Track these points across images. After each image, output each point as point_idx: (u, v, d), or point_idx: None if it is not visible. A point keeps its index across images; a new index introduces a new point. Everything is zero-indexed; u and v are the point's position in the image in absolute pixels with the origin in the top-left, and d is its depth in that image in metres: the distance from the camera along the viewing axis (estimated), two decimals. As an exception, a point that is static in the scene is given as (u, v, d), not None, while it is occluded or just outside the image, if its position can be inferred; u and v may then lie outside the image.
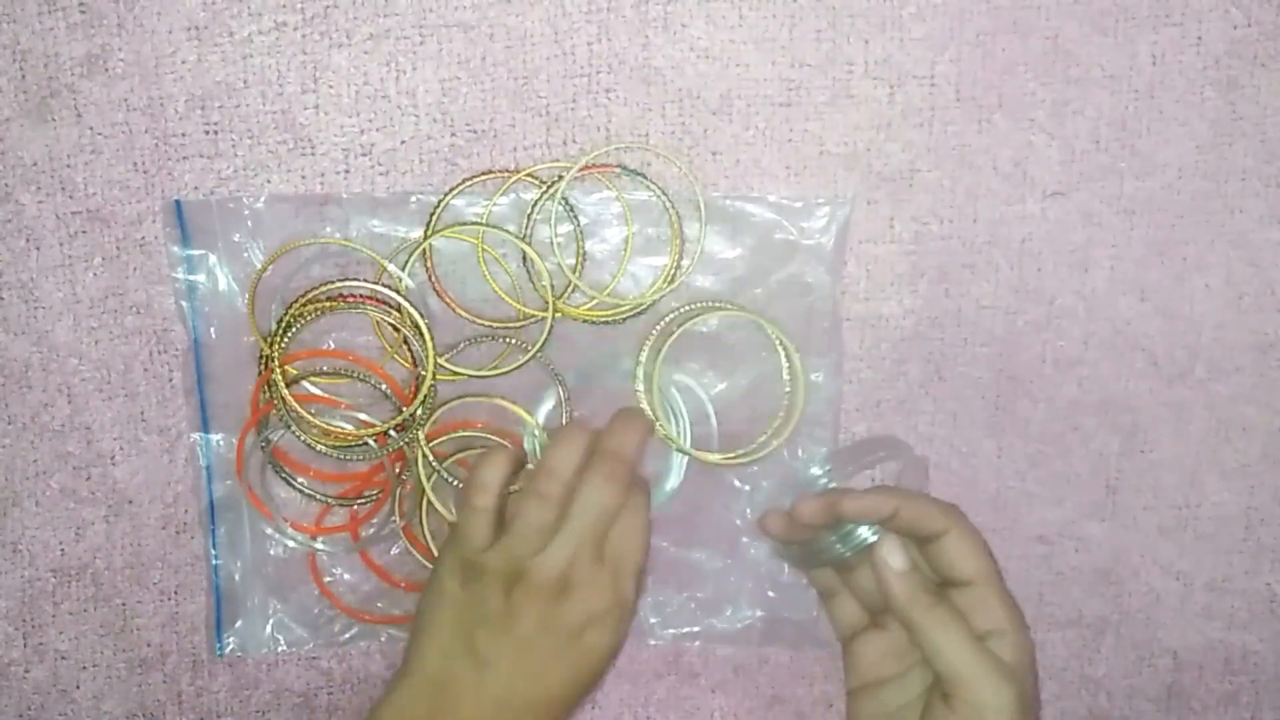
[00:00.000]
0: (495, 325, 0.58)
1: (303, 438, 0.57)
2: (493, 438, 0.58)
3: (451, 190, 0.57)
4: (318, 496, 0.59)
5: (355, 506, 0.59)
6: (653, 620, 0.61)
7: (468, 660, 0.49)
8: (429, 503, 0.58)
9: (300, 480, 0.59)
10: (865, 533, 0.51)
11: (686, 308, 0.57)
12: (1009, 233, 0.58)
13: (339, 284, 0.57)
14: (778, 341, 0.57)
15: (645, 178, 0.57)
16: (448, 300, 0.57)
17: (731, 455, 0.58)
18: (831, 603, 0.56)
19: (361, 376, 0.58)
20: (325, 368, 0.58)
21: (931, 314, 0.59)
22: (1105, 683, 0.63)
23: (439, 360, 0.57)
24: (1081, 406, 0.60)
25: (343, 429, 0.57)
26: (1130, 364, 0.60)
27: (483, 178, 0.57)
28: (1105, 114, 0.57)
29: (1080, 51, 0.57)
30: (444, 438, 0.58)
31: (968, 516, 0.52)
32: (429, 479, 0.58)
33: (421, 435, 0.57)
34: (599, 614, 0.50)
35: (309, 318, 0.57)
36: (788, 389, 0.58)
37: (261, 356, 0.58)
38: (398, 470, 0.58)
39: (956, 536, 0.50)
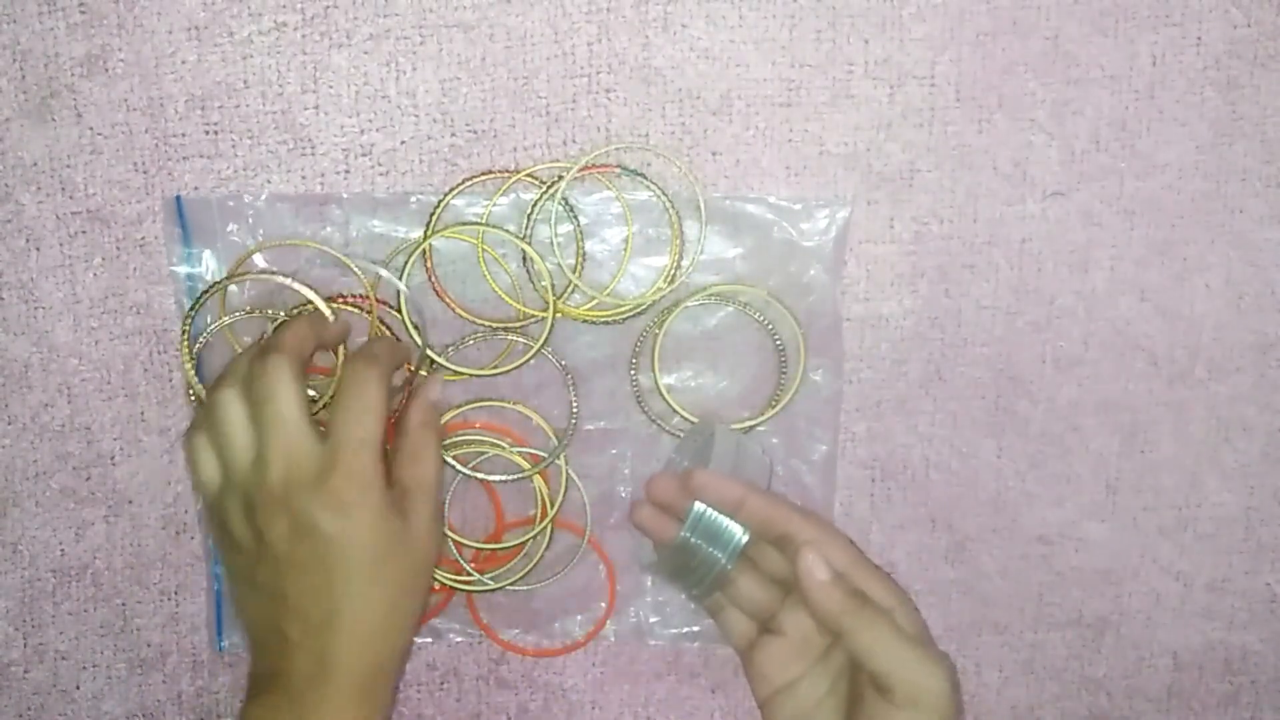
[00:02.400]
0: (495, 325, 0.58)
1: None
2: (491, 438, 0.59)
3: (451, 190, 0.57)
4: None
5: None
6: (653, 620, 0.61)
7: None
8: None
9: None
10: (736, 533, 0.50)
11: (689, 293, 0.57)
12: (1009, 233, 0.58)
13: (318, 302, 0.56)
14: (780, 308, 0.57)
15: (645, 178, 0.57)
16: (448, 300, 0.57)
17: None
18: (720, 618, 0.55)
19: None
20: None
21: (931, 314, 0.59)
22: (1105, 683, 0.63)
23: (439, 359, 0.57)
24: (1081, 406, 0.60)
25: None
26: (1130, 364, 0.60)
27: (483, 178, 0.57)
28: (1105, 114, 0.57)
29: (1080, 51, 0.57)
30: (445, 439, 0.58)
31: (825, 519, 0.52)
32: None
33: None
34: (343, 503, 0.47)
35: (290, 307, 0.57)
36: (784, 368, 0.58)
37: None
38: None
39: (817, 538, 0.50)
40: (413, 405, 0.53)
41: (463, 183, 0.57)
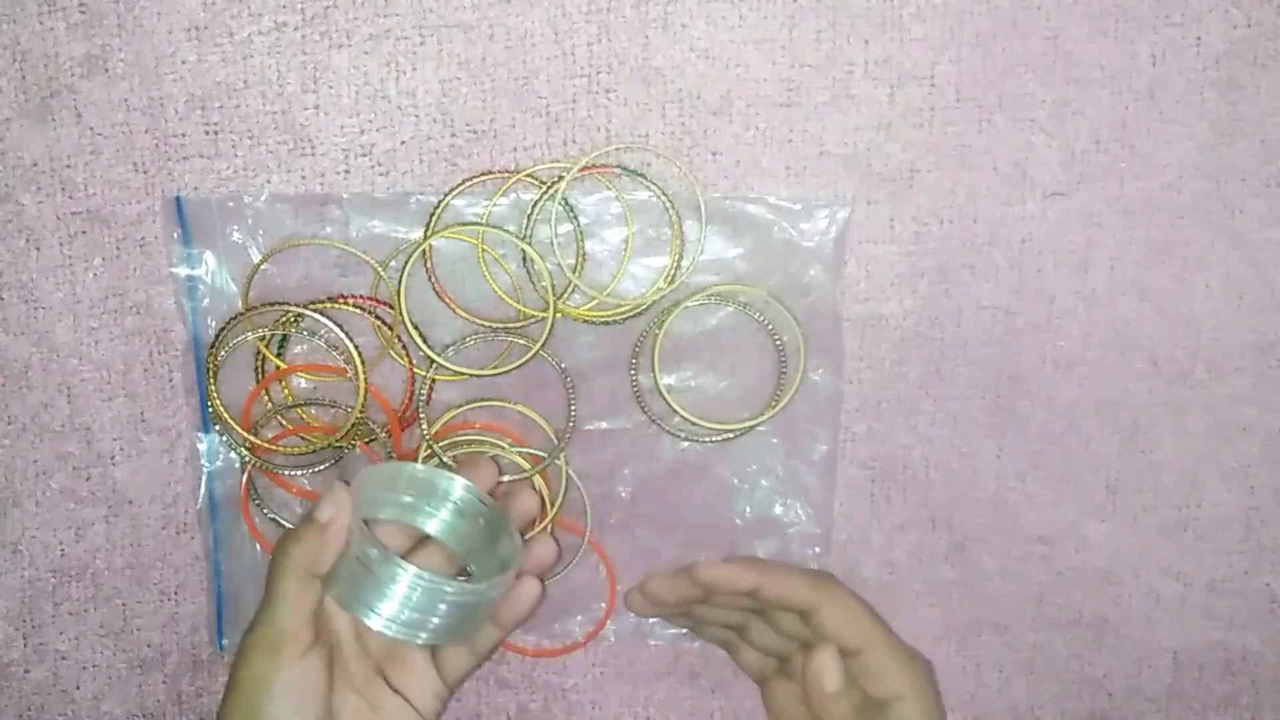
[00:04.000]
0: (495, 325, 0.58)
1: (296, 449, 0.57)
2: (491, 438, 0.59)
3: (451, 190, 0.57)
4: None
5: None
6: (653, 620, 0.61)
7: None
8: None
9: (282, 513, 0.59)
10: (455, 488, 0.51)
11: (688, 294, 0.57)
12: (1009, 233, 0.58)
13: (325, 303, 0.57)
14: (780, 308, 0.57)
15: (645, 178, 0.57)
16: (448, 300, 0.57)
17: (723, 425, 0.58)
18: (735, 655, 0.55)
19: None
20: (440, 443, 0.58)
21: (931, 314, 0.59)
22: (1105, 683, 0.63)
23: (439, 358, 0.57)
24: (1081, 406, 0.60)
25: (335, 426, 0.57)
26: (1130, 364, 0.60)
27: (483, 178, 0.57)
28: (1105, 114, 0.57)
29: (1080, 51, 0.57)
30: (445, 440, 0.58)
31: (839, 582, 0.51)
32: None
33: (428, 433, 0.57)
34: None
35: (302, 324, 0.57)
36: (784, 368, 0.58)
37: (258, 361, 0.58)
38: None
39: (830, 610, 0.49)
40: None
41: (463, 183, 0.57)
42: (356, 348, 0.56)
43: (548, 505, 0.59)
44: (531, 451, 0.59)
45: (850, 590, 0.51)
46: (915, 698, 0.48)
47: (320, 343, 0.58)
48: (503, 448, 0.58)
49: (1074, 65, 0.57)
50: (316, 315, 0.56)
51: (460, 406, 0.58)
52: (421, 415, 0.57)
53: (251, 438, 0.58)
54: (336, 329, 0.56)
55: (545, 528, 0.59)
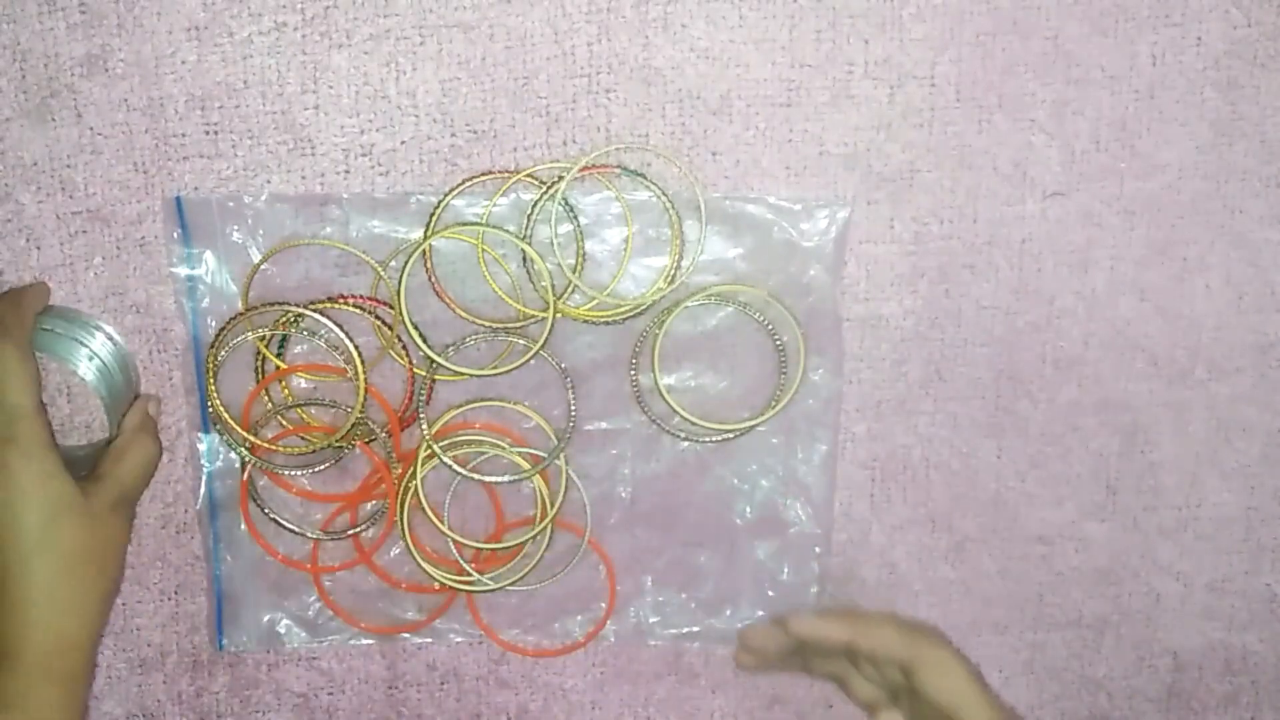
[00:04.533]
0: (495, 325, 0.58)
1: (296, 449, 0.57)
2: (491, 438, 0.59)
3: (451, 191, 0.57)
4: (302, 532, 0.60)
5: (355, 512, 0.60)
6: (653, 620, 0.61)
7: None
8: (424, 503, 0.58)
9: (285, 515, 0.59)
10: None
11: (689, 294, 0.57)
12: (1009, 233, 0.58)
13: (325, 303, 0.57)
14: (780, 308, 0.57)
15: (645, 178, 0.57)
16: (447, 300, 0.57)
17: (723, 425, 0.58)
18: (845, 687, 0.55)
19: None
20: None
21: (931, 314, 0.59)
22: (1105, 683, 0.63)
23: (439, 358, 0.57)
24: (1081, 406, 0.60)
25: (334, 427, 0.57)
26: (1130, 364, 0.60)
27: (483, 178, 0.57)
28: (1105, 114, 0.57)
29: (1080, 51, 0.57)
30: (445, 440, 0.58)
31: (942, 638, 0.51)
32: (423, 479, 0.58)
33: (428, 434, 0.57)
34: (4, 465, 0.48)
35: (302, 324, 0.57)
36: (784, 368, 0.58)
37: (258, 361, 0.58)
38: (398, 472, 0.58)
39: (930, 670, 0.49)
40: (133, 409, 0.55)
41: (463, 183, 0.57)
42: (357, 348, 0.56)
43: (548, 505, 0.59)
44: (531, 451, 0.59)
45: (950, 647, 0.50)
46: None
47: (320, 343, 0.58)
48: (503, 448, 0.58)
49: (1074, 65, 0.57)
50: (316, 315, 0.56)
51: (460, 406, 0.59)
52: (422, 415, 0.57)
53: (251, 438, 0.58)
54: (336, 329, 0.56)
55: (545, 528, 0.59)
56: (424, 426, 0.57)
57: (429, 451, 0.57)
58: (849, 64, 0.57)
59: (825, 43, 0.56)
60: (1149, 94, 0.57)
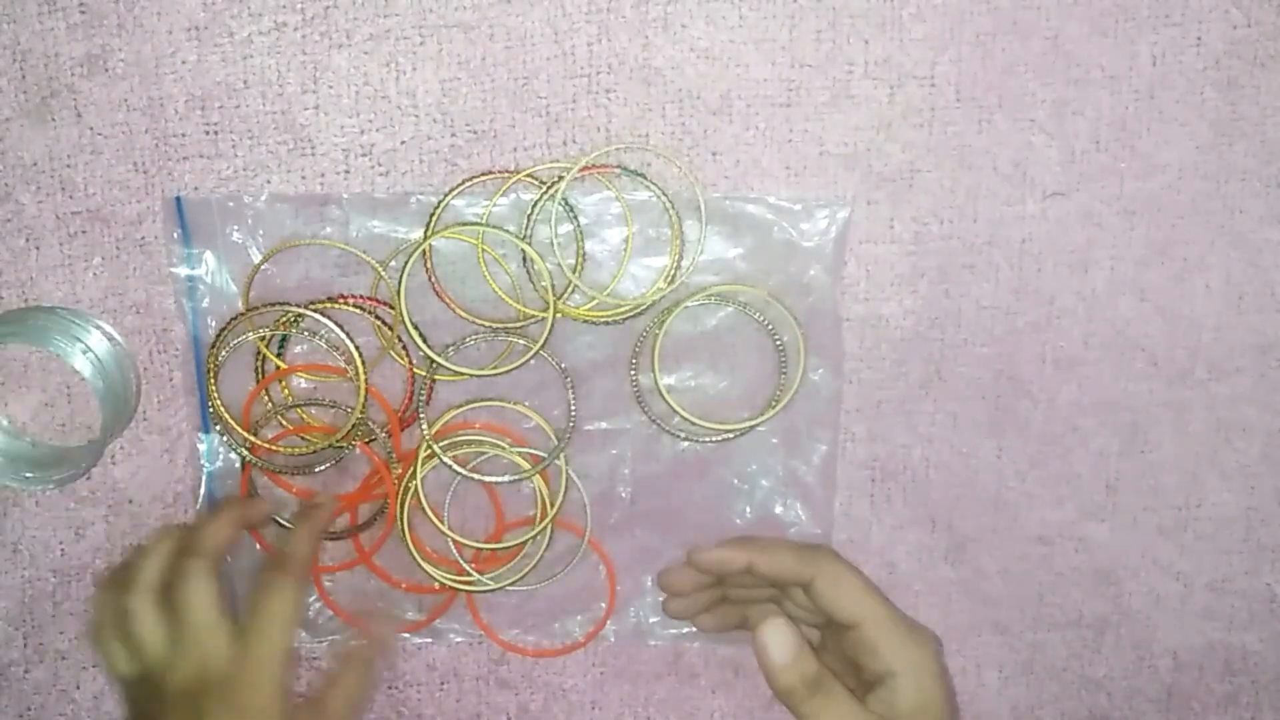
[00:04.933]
0: (495, 325, 0.58)
1: (296, 449, 0.57)
2: (491, 438, 0.59)
3: (451, 191, 0.57)
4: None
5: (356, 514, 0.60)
6: (653, 620, 0.61)
7: None
8: (424, 503, 0.58)
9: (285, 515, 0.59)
10: None
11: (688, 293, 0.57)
12: (1009, 233, 0.58)
13: (325, 303, 0.57)
14: (780, 308, 0.57)
15: (645, 178, 0.57)
16: (447, 300, 0.57)
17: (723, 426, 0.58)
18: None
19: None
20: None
21: (931, 314, 0.59)
22: (1105, 683, 0.63)
23: (439, 358, 0.57)
24: (1081, 406, 0.60)
25: (334, 427, 0.57)
26: (1130, 364, 0.60)
27: (483, 178, 0.57)
28: (1105, 114, 0.57)
29: (1080, 51, 0.57)
30: (445, 440, 0.58)
31: (839, 556, 0.50)
32: (423, 479, 0.58)
33: (428, 434, 0.57)
34: (243, 713, 0.48)
35: (302, 324, 0.57)
36: (784, 368, 0.58)
37: (258, 361, 0.58)
38: (398, 473, 0.58)
39: (825, 583, 0.49)
40: (345, 677, 0.53)
41: (463, 183, 0.57)
42: (357, 348, 0.56)
43: (548, 505, 0.59)
44: (531, 452, 0.59)
45: (847, 563, 0.50)
46: (911, 676, 0.46)
47: (320, 343, 0.58)
48: (503, 448, 0.58)
49: (1074, 65, 0.57)
50: (317, 315, 0.56)
51: (460, 406, 0.59)
52: (422, 415, 0.57)
53: (251, 438, 0.58)
54: (337, 329, 0.56)
55: (545, 528, 0.59)
56: (424, 427, 0.57)
57: (429, 452, 0.57)
58: (849, 64, 0.57)
59: (825, 43, 0.56)
60: (1149, 94, 0.57)
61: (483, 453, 0.58)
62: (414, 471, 0.58)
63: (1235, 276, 0.59)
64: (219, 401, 0.57)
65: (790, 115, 0.57)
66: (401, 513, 0.59)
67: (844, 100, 0.57)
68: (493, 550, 0.59)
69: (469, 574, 0.59)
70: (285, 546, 0.54)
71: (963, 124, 0.57)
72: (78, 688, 0.62)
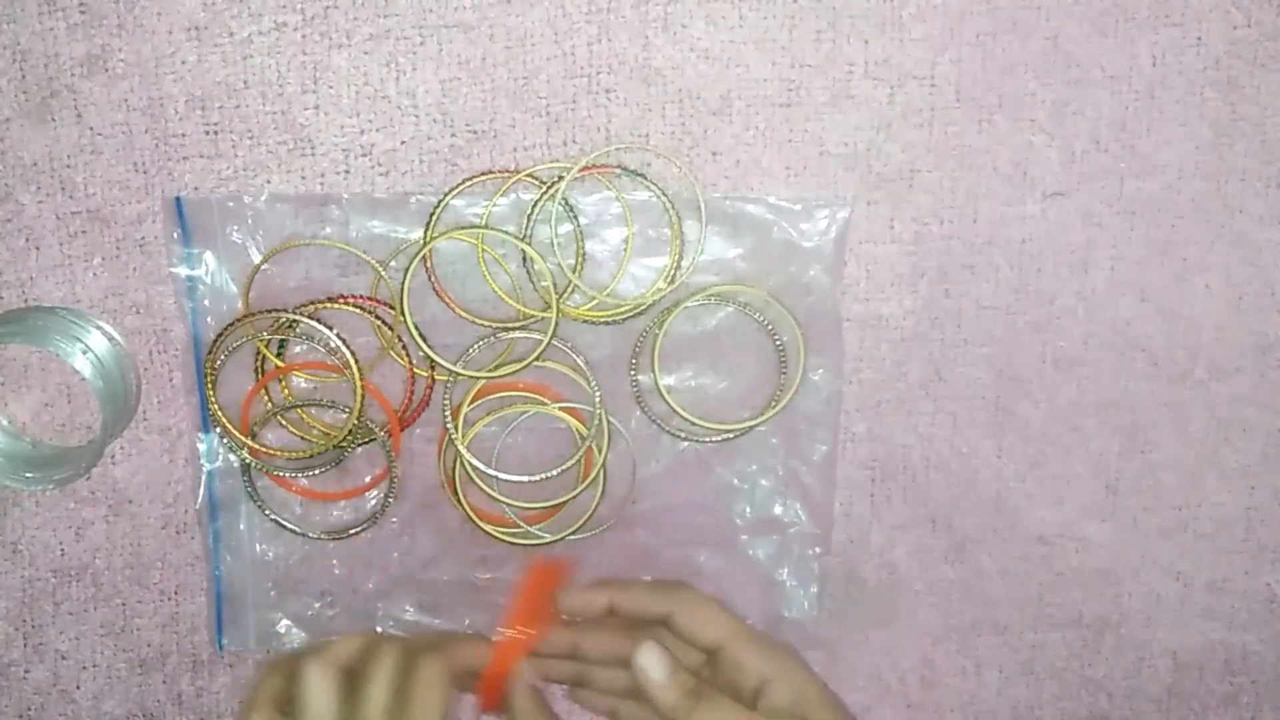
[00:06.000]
0: (495, 326, 0.58)
1: (296, 451, 0.57)
2: (531, 396, 0.58)
3: (451, 191, 0.57)
4: (299, 532, 0.60)
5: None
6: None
7: None
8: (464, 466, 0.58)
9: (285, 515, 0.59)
10: None
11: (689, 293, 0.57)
12: (1009, 233, 0.58)
13: (325, 303, 0.57)
14: (780, 308, 0.57)
15: (645, 178, 0.57)
16: (448, 301, 0.57)
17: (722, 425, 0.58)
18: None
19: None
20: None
21: (931, 314, 0.59)
22: (1105, 683, 0.63)
23: (439, 358, 0.57)
24: (1081, 407, 0.60)
25: (336, 427, 0.57)
26: (1130, 364, 0.60)
27: (483, 178, 0.57)
28: (1105, 114, 0.57)
29: (1080, 51, 0.57)
30: (479, 402, 0.58)
31: (695, 588, 0.51)
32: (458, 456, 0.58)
33: (455, 428, 0.57)
34: None
35: (300, 325, 0.57)
36: (784, 368, 0.58)
37: (257, 361, 0.58)
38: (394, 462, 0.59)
39: (683, 613, 0.50)
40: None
41: (463, 183, 0.57)
42: (353, 354, 0.57)
43: (594, 451, 0.58)
44: (574, 405, 0.58)
45: (702, 593, 0.51)
46: (782, 679, 0.48)
47: (319, 346, 0.58)
48: (544, 404, 0.58)
49: (1074, 65, 0.57)
50: (313, 322, 0.56)
51: (492, 370, 0.58)
52: (446, 414, 0.57)
53: (250, 442, 0.58)
54: (334, 336, 0.56)
55: (597, 474, 0.59)
56: (449, 422, 0.57)
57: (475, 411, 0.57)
58: (849, 64, 0.57)
59: (825, 43, 0.56)
60: (1149, 94, 0.57)
61: (525, 411, 0.58)
62: (460, 435, 0.58)
63: (1235, 276, 0.59)
64: (217, 407, 0.57)
65: (790, 115, 0.57)
66: (455, 477, 0.58)
67: (844, 100, 0.57)
68: (543, 507, 0.59)
69: (523, 529, 0.59)
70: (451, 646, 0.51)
71: (963, 124, 0.57)
72: (78, 688, 0.62)
